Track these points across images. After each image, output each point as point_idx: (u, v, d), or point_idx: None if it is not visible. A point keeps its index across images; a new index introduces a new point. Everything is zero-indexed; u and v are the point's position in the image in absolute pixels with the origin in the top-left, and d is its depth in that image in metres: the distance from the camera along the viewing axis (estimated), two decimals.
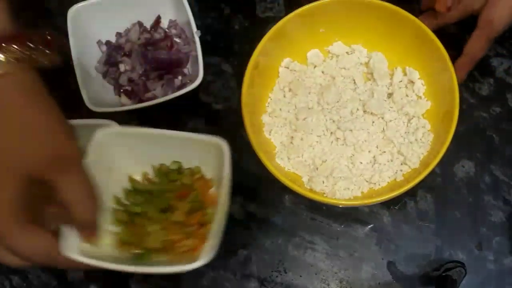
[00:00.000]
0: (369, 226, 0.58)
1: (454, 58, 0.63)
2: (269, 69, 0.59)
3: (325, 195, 0.54)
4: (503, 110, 0.61)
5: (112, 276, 0.58)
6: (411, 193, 0.58)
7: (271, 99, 0.60)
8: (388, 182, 0.55)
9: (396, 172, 0.55)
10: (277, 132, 0.58)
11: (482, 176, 0.59)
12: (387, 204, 0.58)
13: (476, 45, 0.58)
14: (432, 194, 0.58)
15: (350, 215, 0.58)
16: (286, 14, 0.57)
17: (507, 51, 0.63)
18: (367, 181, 0.55)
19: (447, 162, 0.59)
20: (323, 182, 0.55)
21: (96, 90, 0.61)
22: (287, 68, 0.61)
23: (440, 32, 0.64)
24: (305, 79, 0.60)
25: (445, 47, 0.64)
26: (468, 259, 0.55)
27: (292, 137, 0.58)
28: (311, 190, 0.54)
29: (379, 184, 0.55)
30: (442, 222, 0.57)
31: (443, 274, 0.53)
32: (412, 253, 0.56)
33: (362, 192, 0.55)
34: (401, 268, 0.56)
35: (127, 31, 0.65)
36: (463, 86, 0.62)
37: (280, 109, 0.59)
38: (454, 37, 0.64)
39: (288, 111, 0.59)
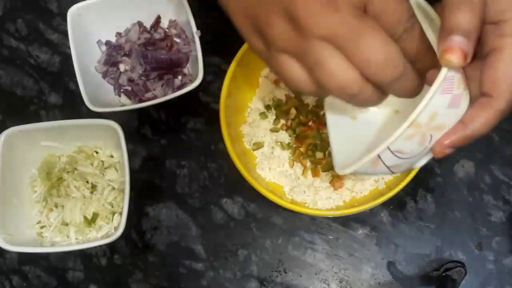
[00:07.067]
0: (369, 226, 0.58)
1: None
2: (249, 79, 0.59)
3: (306, 205, 0.54)
4: None
5: (112, 276, 0.58)
6: (411, 193, 0.58)
7: (251, 109, 0.60)
8: (370, 191, 0.55)
9: (378, 181, 0.55)
10: (258, 142, 0.58)
11: (482, 176, 0.58)
12: (387, 204, 0.58)
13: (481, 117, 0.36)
14: (432, 194, 0.58)
15: (350, 215, 0.58)
16: None
17: None
18: (349, 190, 0.55)
19: (447, 162, 0.59)
20: (305, 192, 0.55)
21: (96, 90, 0.61)
22: (267, 77, 0.60)
23: None
24: (285, 88, 0.60)
25: None
26: (468, 259, 0.55)
27: (272, 147, 0.58)
28: (292, 200, 0.54)
29: (361, 193, 0.55)
30: (442, 222, 0.57)
31: (443, 274, 0.53)
32: (412, 253, 0.56)
33: (344, 201, 0.55)
34: (401, 268, 0.56)
35: (127, 31, 0.65)
36: None
37: (260, 119, 0.59)
38: None
39: (269, 121, 0.59)
